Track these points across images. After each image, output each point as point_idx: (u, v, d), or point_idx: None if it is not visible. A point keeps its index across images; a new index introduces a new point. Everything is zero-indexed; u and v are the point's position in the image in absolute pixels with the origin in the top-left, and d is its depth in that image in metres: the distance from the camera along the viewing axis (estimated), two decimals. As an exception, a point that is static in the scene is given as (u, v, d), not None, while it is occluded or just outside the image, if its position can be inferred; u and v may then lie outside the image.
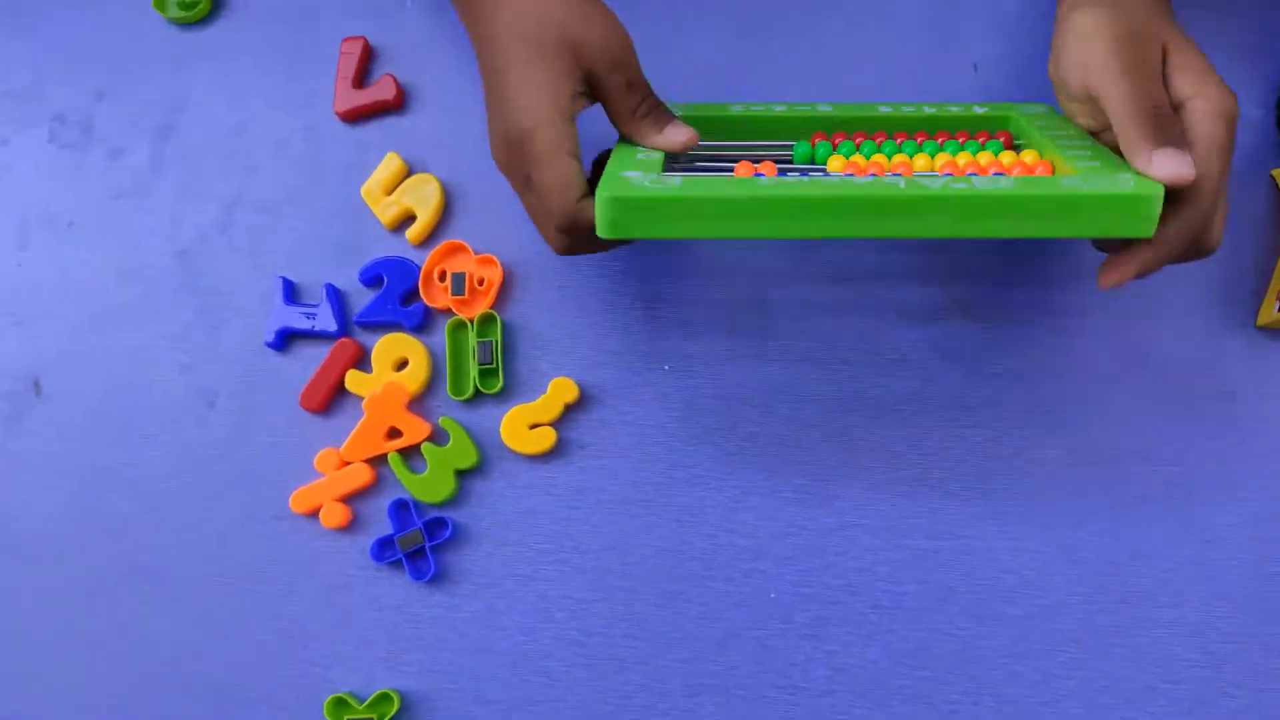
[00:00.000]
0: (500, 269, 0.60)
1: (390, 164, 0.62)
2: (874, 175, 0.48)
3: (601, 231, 0.45)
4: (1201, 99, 0.47)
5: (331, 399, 0.60)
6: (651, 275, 0.60)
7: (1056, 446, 0.57)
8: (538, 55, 0.51)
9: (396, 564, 0.58)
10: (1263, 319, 0.57)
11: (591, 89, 0.52)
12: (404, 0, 0.65)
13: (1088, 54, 0.49)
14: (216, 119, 0.64)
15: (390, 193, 0.62)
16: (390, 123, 0.64)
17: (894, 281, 0.59)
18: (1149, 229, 0.44)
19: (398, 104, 0.63)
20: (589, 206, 0.49)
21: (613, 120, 0.52)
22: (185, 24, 0.66)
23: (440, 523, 0.58)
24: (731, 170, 0.51)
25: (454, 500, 0.58)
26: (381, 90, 0.63)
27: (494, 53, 0.52)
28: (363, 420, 0.59)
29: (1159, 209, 0.43)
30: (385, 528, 0.58)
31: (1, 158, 0.65)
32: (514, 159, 0.51)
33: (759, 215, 0.44)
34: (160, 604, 0.59)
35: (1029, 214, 0.43)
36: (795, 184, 0.45)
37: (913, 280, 0.59)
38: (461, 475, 0.59)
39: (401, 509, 0.58)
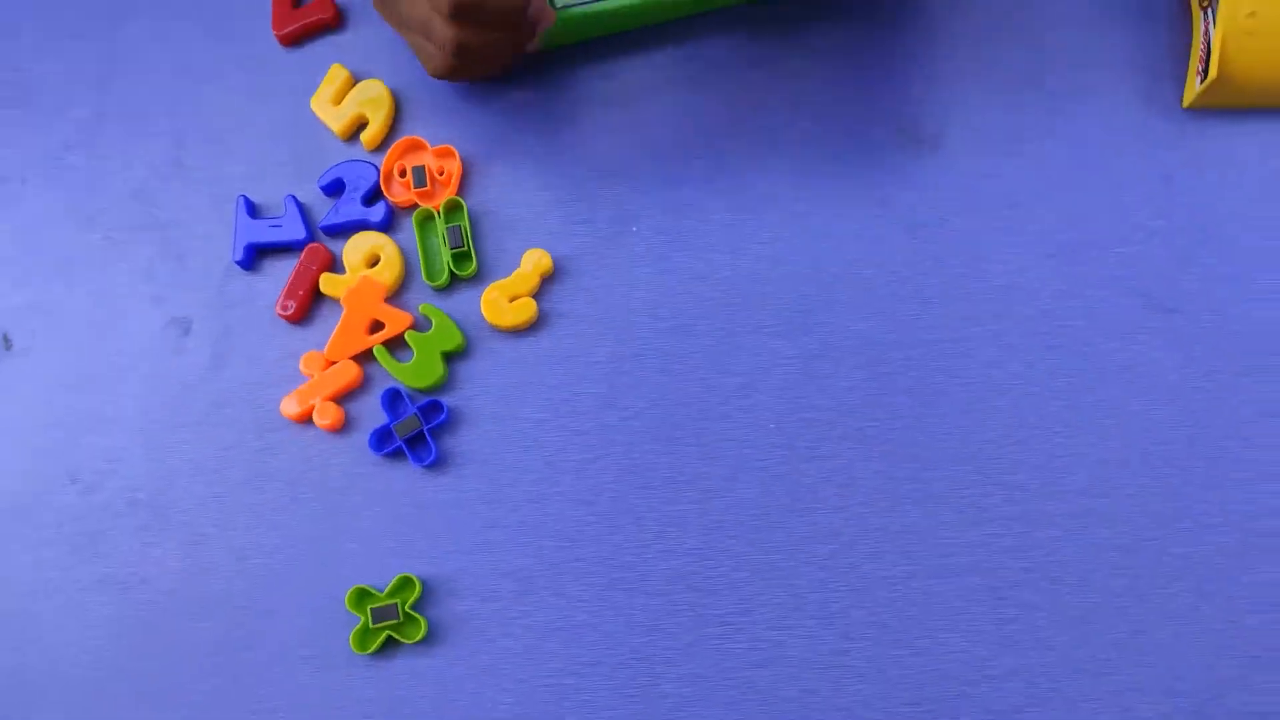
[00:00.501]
0: (459, 158, 0.61)
1: (337, 75, 0.63)
2: None
3: None
4: None
5: (309, 305, 0.60)
6: (604, 146, 0.61)
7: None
8: None
9: (395, 455, 0.58)
10: (1187, 99, 0.60)
11: None
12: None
13: None
14: (155, 62, 0.65)
15: (339, 103, 0.63)
16: (330, 40, 0.65)
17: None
18: None
19: (335, 22, 0.64)
20: None
21: None
22: (112, -23, 0.66)
23: (435, 406, 0.58)
24: None
25: (444, 385, 0.58)
26: (320, 9, 0.64)
27: None
28: (343, 317, 0.59)
29: None
30: (378, 422, 0.58)
31: (-58, 126, 0.65)
32: None
33: None
34: (161, 532, 0.57)
35: None
36: None
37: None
38: (448, 360, 0.59)
39: (394, 398, 0.58)
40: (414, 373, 0.58)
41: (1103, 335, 0.57)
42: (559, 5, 0.59)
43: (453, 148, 0.61)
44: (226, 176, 0.62)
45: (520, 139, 0.62)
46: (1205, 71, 0.58)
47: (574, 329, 0.59)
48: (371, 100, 0.62)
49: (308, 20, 0.64)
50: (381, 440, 0.57)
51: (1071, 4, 0.62)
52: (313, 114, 0.63)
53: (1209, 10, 0.58)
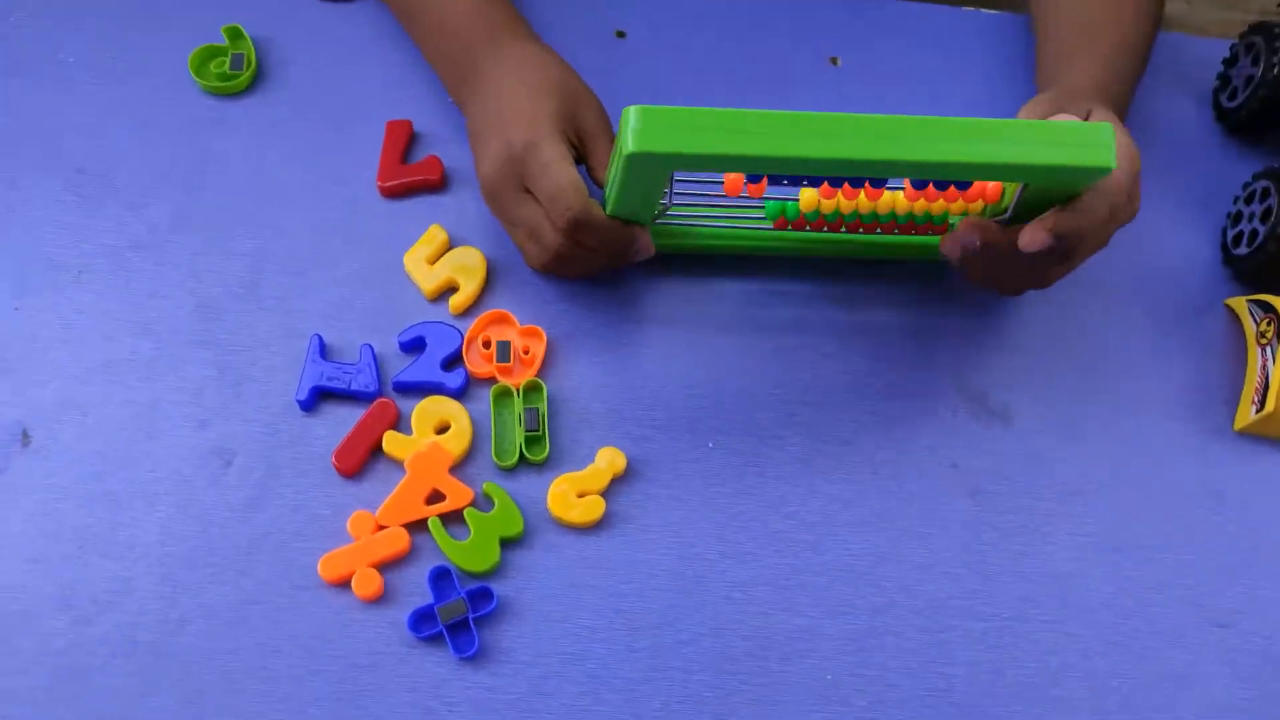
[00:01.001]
0: (545, 340, 0.60)
1: (435, 236, 0.62)
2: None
3: (634, 144, 0.48)
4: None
5: (366, 461, 0.57)
6: (692, 356, 0.61)
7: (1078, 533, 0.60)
8: (539, 93, 0.58)
9: (430, 641, 0.53)
10: (1240, 423, 0.63)
11: (579, 141, 0.58)
12: (446, 97, 0.67)
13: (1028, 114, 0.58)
14: (246, 181, 0.63)
15: (434, 263, 0.62)
16: (431, 199, 0.64)
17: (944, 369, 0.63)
18: (1109, 156, 0.50)
19: (440, 183, 0.64)
20: (596, 205, 0.55)
21: (593, 175, 0.59)
22: (222, 94, 0.66)
23: (484, 594, 0.54)
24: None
25: (496, 572, 0.55)
26: (426, 168, 0.64)
27: (495, 92, 0.59)
28: (404, 480, 0.55)
29: (1113, 136, 0.50)
30: (419, 601, 0.54)
31: (7, 200, 0.61)
32: (514, 173, 0.57)
33: (780, 132, 0.48)
34: (162, 684, 0.51)
35: (1004, 139, 0.50)
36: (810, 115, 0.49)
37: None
38: (505, 546, 0.56)
39: (442, 578, 0.54)
40: (468, 554, 0.54)
41: (1159, 640, 0.57)
42: (658, 220, 0.60)
43: (541, 329, 0.60)
44: (301, 311, 0.60)
45: (610, 333, 0.62)
46: (1261, 403, 0.62)
47: (639, 536, 0.57)
48: (466, 267, 0.61)
49: (414, 178, 0.64)
50: (421, 621, 0.53)
51: (1134, 322, 0.66)
52: (403, 269, 0.61)
53: (1268, 348, 0.63)
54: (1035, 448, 0.61)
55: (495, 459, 0.57)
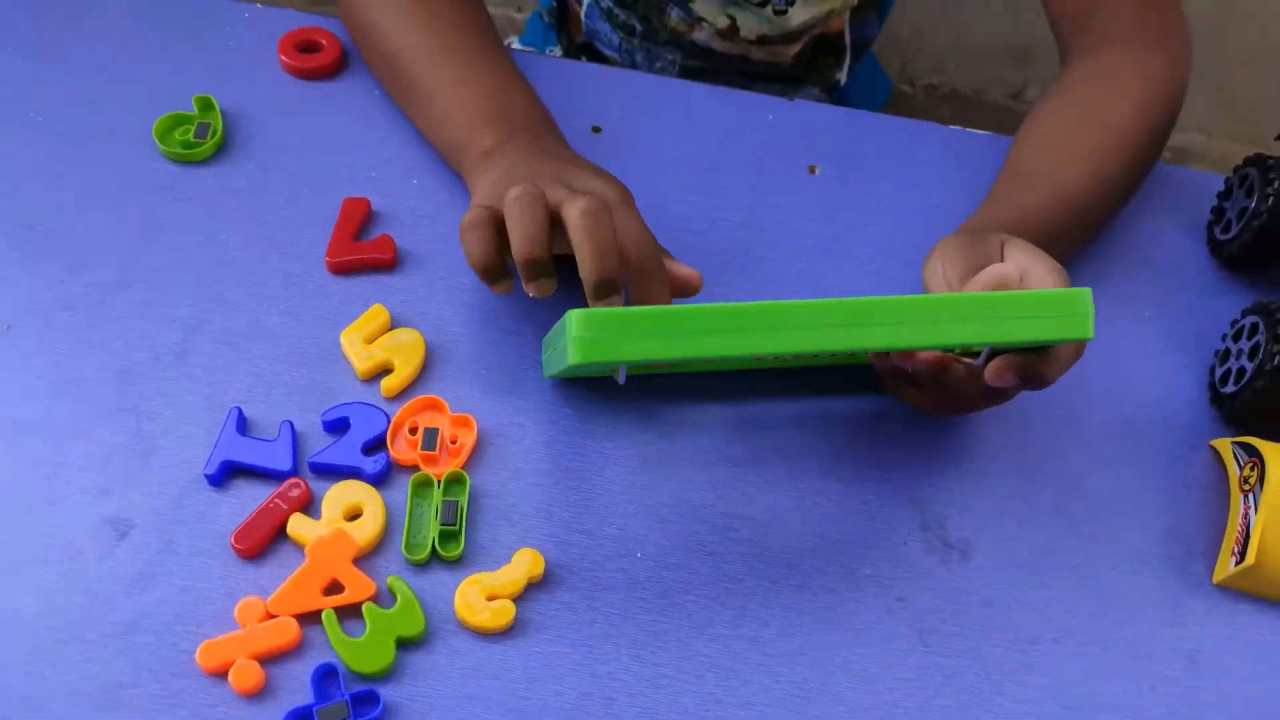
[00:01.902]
0: (475, 430, 0.57)
1: (377, 315, 0.60)
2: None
3: (577, 355, 0.45)
4: (1037, 267, 0.53)
5: (268, 544, 0.54)
6: (630, 466, 0.58)
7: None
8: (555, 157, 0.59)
9: (307, 744, 0.49)
10: (1218, 575, 0.58)
11: None
12: (410, 180, 0.66)
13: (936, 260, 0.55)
14: (193, 249, 0.62)
15: (371, 343, 0.59)
16: (382, 280, 0.63)
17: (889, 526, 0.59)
18: (1087, 327, 0.48)
19: (391, 263, 0.63)
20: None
21: None
22: (183, 161, 0.65)
23: (370, 697, 0.50)
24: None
25: (388, 675, 0.51)
26: (378, 246, 0.63)
27: (513, 151, 0.59)
28: (302, 567, 0.52)
29: (1091, 303, 0.48)
30: (300, 700, 0.50)
31: (-54, 250, 0.60)
32: (553, 170, 0.57)
33: (739, 327, 0.45)
34: (4, 765, 0.48)
35: (976, 318, 0.47)
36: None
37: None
38: (401, 646, 0.52)
39: (328, 677, 0.50)
40: (360, 653, 0.51)
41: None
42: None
43: (472, 419, 0.57)
44: (227, 383, 0.58)
45: (548, 429, 0.59)
46: (1241, 555, 0.57)
47: (549, 649, 0.53)
48: (403, 347, 0.59)
49: (364, 255, 0.62)
50: (298, 722, 0.49)
51: (1112, 459, 0.62)
52: (338, 346, 0.59)
53: (1250, 495, 0.58)
54: (992, 588, 0.57)
55: (405, 552, 0.54)
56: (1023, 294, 0.48)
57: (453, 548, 0.54)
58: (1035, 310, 0.48)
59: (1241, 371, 0.62)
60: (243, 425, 0.56)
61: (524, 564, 0.54)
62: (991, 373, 0.51)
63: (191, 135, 0.65)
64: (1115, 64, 0.68)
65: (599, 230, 0.50)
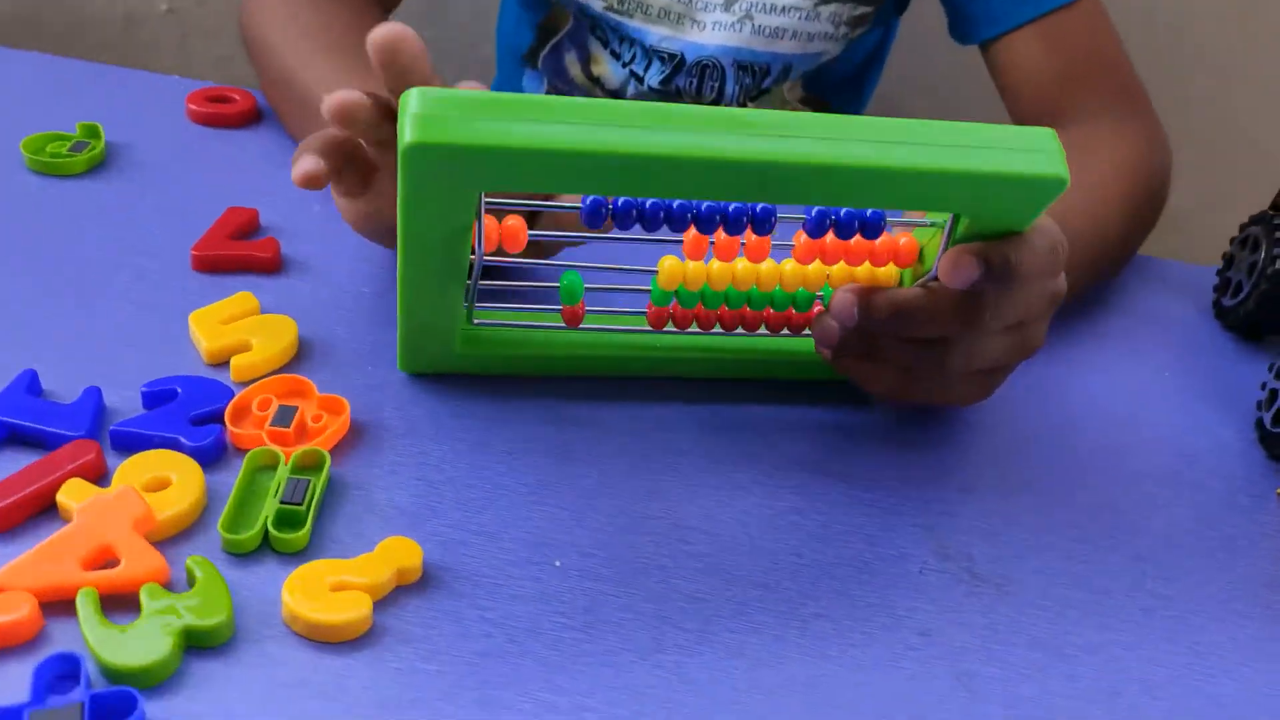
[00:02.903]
0: (348, 416, 0.44)
1: (243, 301, 0.48)
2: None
3: (415, 134, 0.34)
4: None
5: (34, 514, 0.38)
6: (562, 466, 0.44)
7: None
8: None
9: (7, 772, 0.31)
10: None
11: None
12: (312, 205, 0.57)
13: None
14: (49, 254, 0.52)
15: (228, 324, 0.47)
16: (255, 281, 0.51)
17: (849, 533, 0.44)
18: (1059, 164, 0.38)
19: (273, 265, 0.52)
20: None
21: None
22: (52, 173, 0.57)
23: (124, 700, 0.32)
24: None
25: (163, 683, 0.33)
26: (258, 247, 0.52)
27: None
28: (60, 532, 0.36)
29: (1058, 142, 0.39)
30: (15, 700, 0.32)
31: None
32: None
33: (624, 120, 0.36)
34: None
35: (929, 142, 0.38)
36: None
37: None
38: (190, 648, 0.35)
39: (63, 675, 0.33)
40: (119, 644, 0.33)
41: None
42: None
43: (345, 402, 0.44)
44: (50, 361, 0.45)
45: (442, 425, 0.45)
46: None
47: (417, 666, 0.36)
48: (270, 329, 0.47)
49: (238, 253, 0.52)
50: (-1, 730, 0.31)
51: (1163, 496, 0.49)
52: (187, 331, 0.47)
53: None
54: (1039, 627, 0.41)
55: (223, 531, 0.38)
56: (982, 125, 0.38)
57: (293, 533, 0.38)
58: (999, 141, 0.38)
59: (1298, 393, 0.50)
60: (35, 386, 0.42)
61: (393, 552, 0.38)
62: (946, 265, 0.41)
63: (65, 149, 0.57)
64: (1090, 134, 0.64)
65: None
